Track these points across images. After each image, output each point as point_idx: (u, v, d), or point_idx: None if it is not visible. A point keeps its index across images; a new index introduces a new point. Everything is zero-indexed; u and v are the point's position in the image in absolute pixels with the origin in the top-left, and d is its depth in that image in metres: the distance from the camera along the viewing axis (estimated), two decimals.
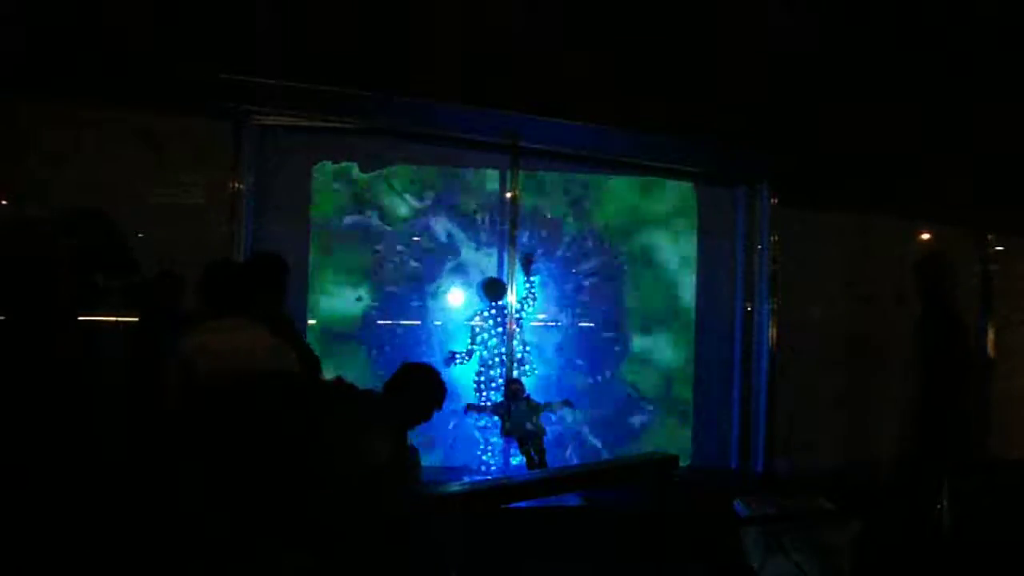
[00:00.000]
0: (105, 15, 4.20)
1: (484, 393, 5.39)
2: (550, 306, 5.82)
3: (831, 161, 5.56)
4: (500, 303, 5.47)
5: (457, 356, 5.43)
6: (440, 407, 3.22)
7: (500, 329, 5.44)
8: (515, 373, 5.39)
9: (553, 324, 5.88)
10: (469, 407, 5.30)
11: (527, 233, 5.75)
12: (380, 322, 5.61)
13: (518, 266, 5.53)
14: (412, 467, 4.25)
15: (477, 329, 5.49)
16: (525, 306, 5.55)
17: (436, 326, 5.67)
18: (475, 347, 5.47)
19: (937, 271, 4.44)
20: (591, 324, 5.97)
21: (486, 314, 5.49)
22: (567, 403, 5.33)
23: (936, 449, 4.28)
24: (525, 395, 5.19)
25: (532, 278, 5.57)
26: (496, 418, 5.23)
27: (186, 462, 2.42)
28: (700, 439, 6.10)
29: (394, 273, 5.62)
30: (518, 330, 5.51)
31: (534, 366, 5.57)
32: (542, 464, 5.11)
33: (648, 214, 6.10)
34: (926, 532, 4.24)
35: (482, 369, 5.44)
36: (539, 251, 5.76)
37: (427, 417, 3.18)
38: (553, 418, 5.38)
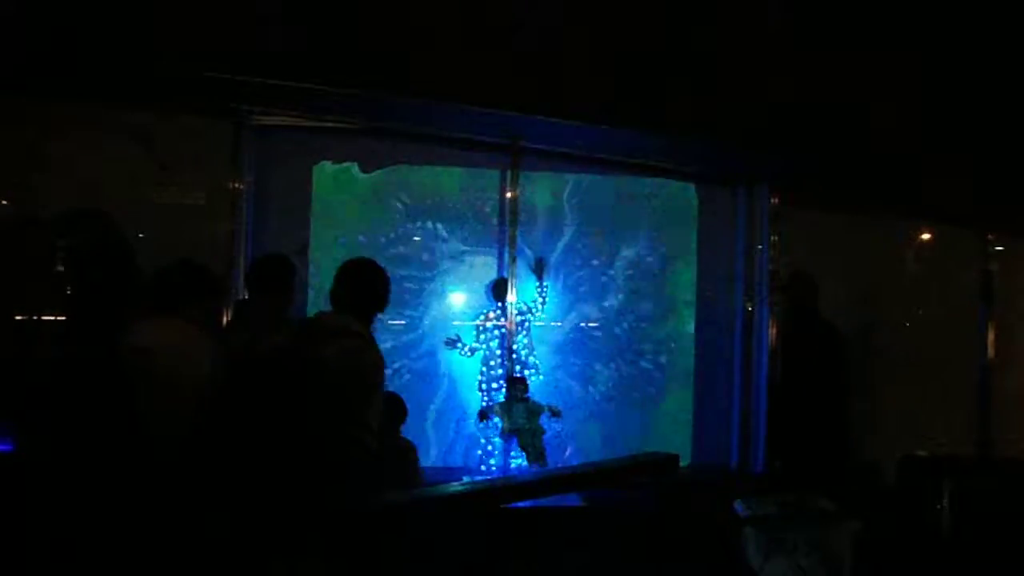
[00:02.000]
0: (104, 15, 4.19)
1: (487, 394, 5.40)
2: (550, 307, 5.81)
3: (831, 161, 5.56)
4: (506, 304, 5.47)
5: (459, 343, 5.43)
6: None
7: (504, 330, 5.44)
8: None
9: (556, 324, 5.87)
10: (482, 415, 5.26)
11: (527, 233, 5.74)
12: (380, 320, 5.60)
13: (519, 268, 5.51)
14: (413, 464, 4.27)
15: (481, 328, 5.50)
16: (534, 310, 5.54)
17: (437, 325, 5.66)
18: (478, 345, 5.48)
19: (803, 288, 5.00)
20: (592, 324, 5.96)
21: (492, 315, 5.49)
22: (555, 413, 5.28)
23: (813, 451, 4.76)
24: (526, 396, 5.18)
25: (544, 283, 5.55)
26: (497, 419, 5.23)
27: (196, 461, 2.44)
28: (700, 439, 6.10)
29: (395, 272, 5.61)
30: (524, 332, 5.51)
31: (540, 371, 5.56)
32: (541, 462, 5.11)
33: (648, 214, 6.09)
34: (926, 532, 4.25)
35: (484, 369, 5.44)
36: (539, 253, 5.74)
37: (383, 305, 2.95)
38: (548, 418, 5.37)
